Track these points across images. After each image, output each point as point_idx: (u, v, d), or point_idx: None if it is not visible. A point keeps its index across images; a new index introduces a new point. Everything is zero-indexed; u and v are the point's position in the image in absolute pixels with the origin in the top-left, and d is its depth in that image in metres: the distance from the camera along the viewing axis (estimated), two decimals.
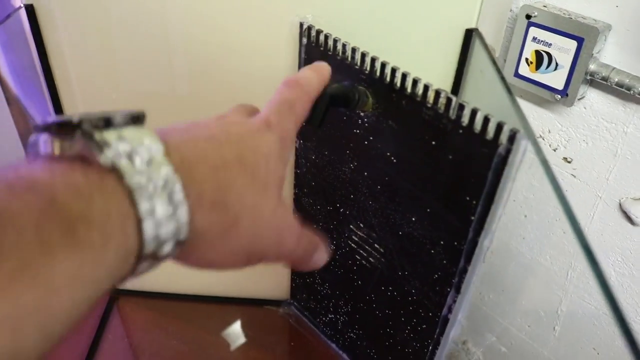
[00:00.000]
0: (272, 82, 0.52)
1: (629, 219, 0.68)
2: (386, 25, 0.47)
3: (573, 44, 0.61)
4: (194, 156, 0.23)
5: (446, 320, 0.47)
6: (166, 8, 0.49)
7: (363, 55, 0.42)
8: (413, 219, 0.45)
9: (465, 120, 0.37)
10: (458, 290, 0.44)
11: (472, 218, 0.40)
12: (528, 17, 0.64)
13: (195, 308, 0.75)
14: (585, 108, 0.66)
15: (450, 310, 0.46)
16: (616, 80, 0.60)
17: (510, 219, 0.83)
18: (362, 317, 0.59)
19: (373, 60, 0.41)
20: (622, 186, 0.67)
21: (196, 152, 0.23)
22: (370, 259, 0.53)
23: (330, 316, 0.64)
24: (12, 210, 0.16)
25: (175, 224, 0.20)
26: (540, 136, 0.72)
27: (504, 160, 0.36)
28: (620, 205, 0.68)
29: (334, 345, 0.65)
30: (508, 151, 0.35)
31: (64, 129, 0.19)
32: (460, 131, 0.38)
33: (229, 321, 0.73)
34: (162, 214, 0.20)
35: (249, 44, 0.50)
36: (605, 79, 0.61)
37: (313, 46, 0.46)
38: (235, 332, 0.72)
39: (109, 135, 0.19)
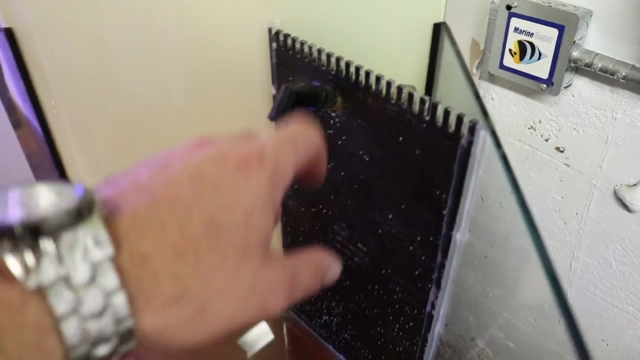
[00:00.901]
0: (246, 87, 0.53)
1: (625, 206, 0.67)
2: (354, 25, 0.48)
3: (554, 32, 0.61)
4: (151, 248, 0.19)
5: (431, 317, 0.47)
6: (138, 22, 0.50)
7: (329, 55, 0.42)
8: (390, 216, 0.45)
9: (427, 114, 0.37)
10: (439, 286, 0.44)
11: (444, 212, 0.40)
12: (508, 7, 0.63)
13: None
14: (573, 96, 0.66)
15: (433, 306, 0.46)
16: (600, 65, 0.59)
17: (509, 212, 0.82)
18: (354, 317, 0.59)
19: (338, 60, 0.42)
20: (616, 173, 0.66)
21: (154, 241, 0.19)
22: (355, 258, 0.53)
23: (325, 318, 0.64)
24: None
25: (115, 341, 0.18)
26: (532, 127, 0.71)
27: (467, 152, 0.36)
28: (615, 192, 0.67)
29: (330, 347, 0.66)
30: (470, 143, 0.35)
31: None
32: (424, 125, 0.38)
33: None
34: (101, 332, 0.18)
35: (221, 52, 0.50)
36: (588, 65, 0.60)
37: (283, 50, 0.46)
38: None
39: (37, 245, 0.17)
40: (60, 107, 0.56)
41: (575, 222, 0.73)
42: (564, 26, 0.60)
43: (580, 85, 0.64)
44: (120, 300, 0.18)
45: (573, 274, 0.77)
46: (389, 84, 0.39)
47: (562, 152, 0.70)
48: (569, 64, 0.61)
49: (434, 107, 0.36)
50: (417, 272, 0.46)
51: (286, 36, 0.46)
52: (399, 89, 0.38)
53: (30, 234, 0.17)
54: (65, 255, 0.17)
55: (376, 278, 0.51)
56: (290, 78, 0.47)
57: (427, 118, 0.37)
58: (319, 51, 0.43)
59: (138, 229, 0.19)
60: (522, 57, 0.65)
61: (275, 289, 0.23)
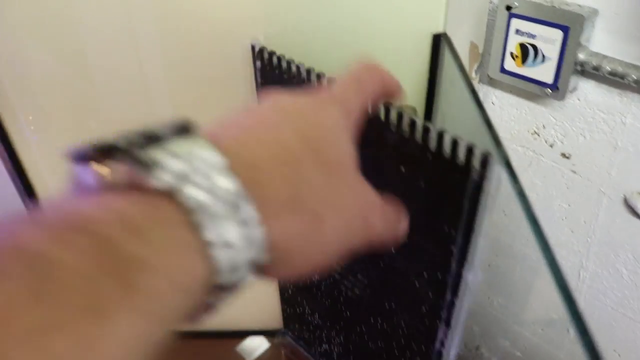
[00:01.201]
0: (230, 108, 0.49)
1: (636, 214, 0.64)
2: (347, 39, 0.43)
3: (558, 33, 0.57)
4: (256, 156, 0.20)
5: (440, 354, 0.43)
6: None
7: (319, 76, 0.38)
8: (392, 250, 0.41)
9: (432, 144, 0.33)
10: (448, 324, 0.40)
11: (453, 249, 0.36)
12: (508, 8, 0.59)
13: (190, 345, 0.72)
14: (579, 100, 0.62)
15: (442, 344, 0.42)
16: (608, 69, 0.56)
17: (512, 220, 0.78)
18: (356, 348, 0.55)
19: (330, 81, 0.37)
20: (626, 180, 0.62)
21: (257, 151, 0.20)
22: (355, 289, 0.49)
23: (324, 346, 0.60)
24: (64, 261, 0.14)
25: (251, 246, 0.18)
26: (535, 132, 0.68)
27: (478, 187, 0.32)
28: (625, 200, 0.64)
29: None
30: (482, 177, 0.31)
31: (103, 154, 0.17)
32: (429, 156, 0.34)
33: (225, 355, 0.70)
34: (235, 237, 0.17)
35: (201, 70, 0.46)
36: (596, 68, 0.56)
37: (268, 70, 0.42)
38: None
39: (157, 153, 0.17)
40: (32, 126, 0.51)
41: (584, 231, 0.70)
42: (569, 27, 0.56)
43: (587, 89, 0.60)
44: (244, 202, 0.18)
45: (582, 282, 0.74)
46: (387, 110, 0.34)
47: (568, 158, 0.66)
48: (575, 67, 0.57)
49: (440, 136, 0.32)
50: (424, 309, 0.42)
51: (271, 54, 0.41)
52: (399, 115, 0.34)
53: (144, 140, 0.17)
54: (184, 157, 0.17)
55: (379, 311, 0.47)
56: None
57: (433, 148, 0.33)
58: (308, 71, 0.39)
59: (240, 145, 0.20)
60: (524, 61, 0.61)
61: (373, 207, 0.25)
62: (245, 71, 0.44)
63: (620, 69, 0.55)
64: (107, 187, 0.17)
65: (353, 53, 0.43)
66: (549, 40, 0.58)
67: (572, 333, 0.77)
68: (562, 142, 0.66)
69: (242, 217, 0.18)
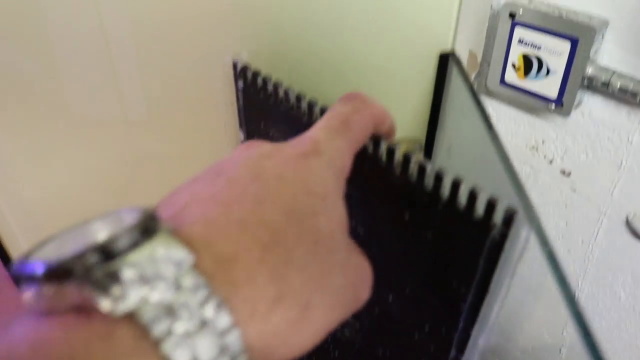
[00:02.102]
0: (211, 130, 0.43)
1: (637, 236, 0.60)
2: (343, 57, 0.38)
3: (566, 45, 0.52)
4: (235, 245, 0.17)
5: None
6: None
7: (311, 105, 0.33)
8: (390, 298, 0.37)
9: (445, 192, 0.28)
10: None
11: (463, 306, 0.31)
12: (512, 16, 0.55)
13: None
14: (583, 115, 0.58)
15: None
16: (619, 85, 0.51)
17: None
18: None
19: (323, 111, 0.32)
20: (629, 201, 0.59)
21: (235, 237, 0.17)
22: (345, 331, 0.44)
23: None
24: None
25: (225, 354, 0.16)
26: (534, 147, 0.63)
27: (498, 247, 0.27)
28: (627, 221, 0.60)
29: None
30: (504, 236, 0.27)
31: (53, 275, 0.15)
32: (440, 206, 0.29)
33: None
34: (207, 352, 0.15)
35: (181, 88, 0.40)
36: (606, 84, 0.52)
37: (252, 91, 0.37)
38: None
39: (113, 267, 0.15)
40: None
41: (581, 251, 0.66)
42: (578, 39, 0.51)
43: (592, 104, 0.56)
44: (215, 309, 0.16)
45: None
46: (391, 151, 0.30)
47: (568, 175, 0.62)
48: (582, 82, 0.53)
49: (455, 185, 0.28)
50: None
51: (255, 74, 0.36)
52: (406, 158, 0.29)
53: (101, 258, 0.15)
54: (143, 272, 0.15)
55: (371, 358, 0.43)
56: (262, 125, 0.37)
57: (445, 197, 0.28)
58: (298, 97, 0.33)
59: (215, 233, 0.17)
60: (526, 73, 0.56)
61: (363, 277, 0.23)
62: (225, 91, 0.38)
63: (631, 86, 0.51)
64: (59, 310, 0.16)
65: (349, 77, 0.37)
66: (555, 52, 0.53)
67: (565, 353, 0.73)
68: (562, 159, 0.62)
69: (215, 326, 0.16)
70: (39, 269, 0.15)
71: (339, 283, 0.21)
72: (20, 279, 0.16)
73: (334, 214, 0.21)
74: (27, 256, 0.16)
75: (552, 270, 0.27)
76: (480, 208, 0.27)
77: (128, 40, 0.39)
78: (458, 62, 0.36)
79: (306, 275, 0.19)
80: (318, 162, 0.22)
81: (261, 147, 0.22)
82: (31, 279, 0.16)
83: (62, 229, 0.18)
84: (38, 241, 0.17)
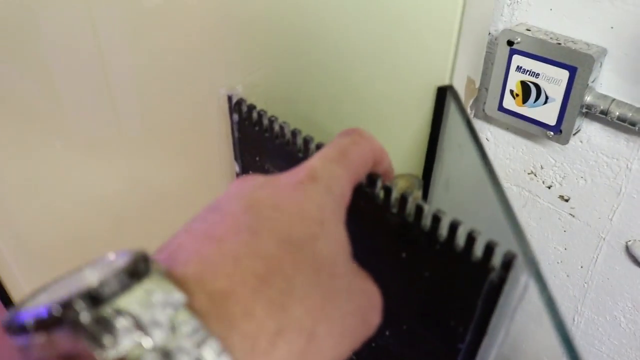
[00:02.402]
0: (206, 163, 0.43)
1: (637, 262, 0.60)
2: (341, 91, 0.38)
3: (564, 74, 0.52)
4: (230, 280, 0.17)
5: None
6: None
7: (306, 141, 0.32)
8: (386, 333, 0.36)
9: (443, 233, 0.28)
10: None
11: (460, 346, 0.31)
12: (510, 43, 0.55)
13: None
14: (581, 142, 0.58)
15: None
16: (617, 114, 0.51)
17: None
18: None
19: (319, 147, 0.32)
20: (629, 227, 0.59)
21: (231, 272, 0.17)
22: None
23: None
24: None
25: None
26: (532, 172, 0.63)
27: (497, 290, 0.27)
28: (627, 247, 0.60)
29: None
30: (503, 280, 0.26)
31: (41, 325, 0.15)
32: (437, 246, 0.28)
33: None
34: None
35: (174, 120, 0.40)
36: (604, 112, 0.52)
37: (247, 125, 0.36)
38: None
39: (104, 313, 0.15)
40: None
41: (580, 276, 0.66)
42: (577, 68, 0.51)
43: (591, 131, 0.56)
44: (213, 350, 0.15)
45: (576, 328, 0.70)
46: (387, 190, 0.29)
47: (566, 201, 0.62)
48: (580, 109, 0.53)
49: (453, 227, 0.27)
50: None
51: (251, 108, 0.36)
52: (403, 198, 0.29)
53: (89, 304, 0.15)
54: (135, 317, 0.15)
55: None
56: (257, 158, 0.37)
57: (442, 238, 0.28)
58: (294, 133, 0.33)
59: (209, 269, 0.17)
60: (525, 100, 0.56)
61: (372, 303, 0.22)
62: (221, 123, 0.38)
63: (630, 115, 0.51)
64: (52, 359, 0.15)
65: (347, 113, 0.37)
66: (553, 80, 0.53)
67: None
68: (560, 184, 0.62)
69: None
70: (28, 318, 0.15)
71: (346, 309, 0.20)
72: (11, 329, 0.16)
73: (334, 239, 0.21)
74: (19, 307, 0.16)
75: (551, 316, 0.27)
76: (478, 250, 0.27)
77: (127, 70, 0.38)
78: (456, 96, 0.36)
79: (308, 303, 0.18)
80: (314, 188, 0.21)
81: (256, 180, 0.22)
82: (22, 329, 0.15)
83: (53, 277, 0.17)
84: (30, 292, 0.17)
